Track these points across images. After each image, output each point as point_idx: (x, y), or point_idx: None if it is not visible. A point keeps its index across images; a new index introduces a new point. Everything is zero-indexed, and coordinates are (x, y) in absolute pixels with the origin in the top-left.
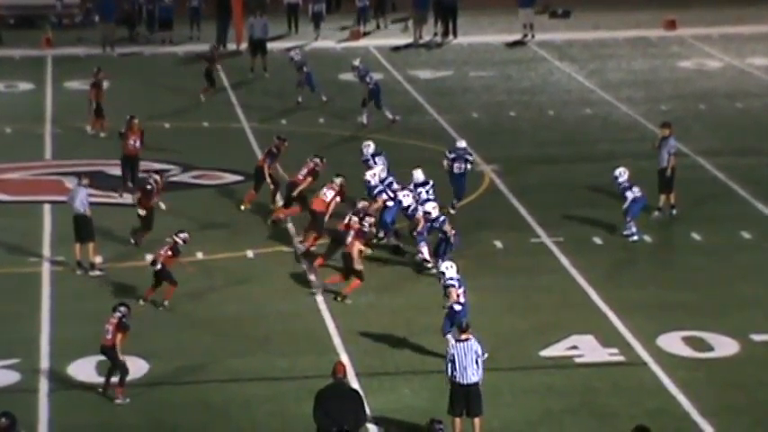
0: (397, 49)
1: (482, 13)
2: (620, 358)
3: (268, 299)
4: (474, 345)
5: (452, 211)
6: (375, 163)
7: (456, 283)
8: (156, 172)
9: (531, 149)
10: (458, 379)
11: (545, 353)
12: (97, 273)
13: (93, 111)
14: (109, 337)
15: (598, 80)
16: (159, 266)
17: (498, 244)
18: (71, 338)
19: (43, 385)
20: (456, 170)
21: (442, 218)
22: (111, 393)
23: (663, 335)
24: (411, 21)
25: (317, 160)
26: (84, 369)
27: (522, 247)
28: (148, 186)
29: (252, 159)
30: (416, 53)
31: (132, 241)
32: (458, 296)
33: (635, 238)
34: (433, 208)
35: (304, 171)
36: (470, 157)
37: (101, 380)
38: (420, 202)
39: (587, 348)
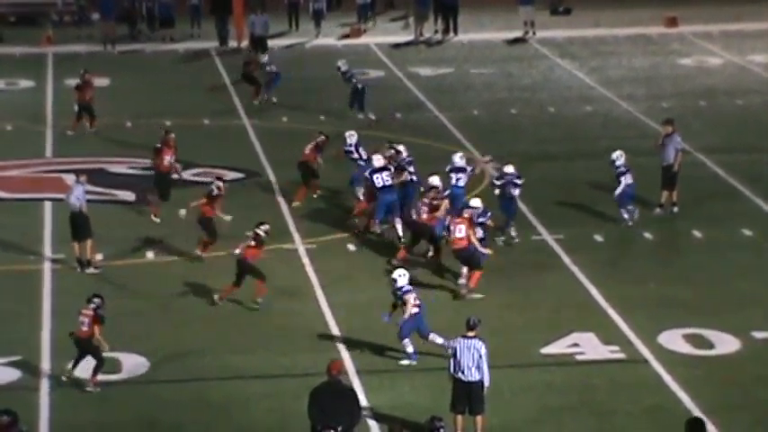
0: (397, 46)
1: (483, 10)
2: (621, 356)
3: (269, 296)
4: (477, 344)
5: (514, 237)
6: (359, 153)
7: (412, 289)
8: (218, 178)
9: (532, 146)
10: (458, 375)
11: (545, 350)
12: (93, 270)
13: (76, 112)
14: (85, 328)
15: (599, 77)
16: (247, 260)
17: (499, 241)
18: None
19: (44, 383)
20: (507, 195)
21: (488, 213)
22: (83, 382)
23: (664, 332)
24: (412, 18)
25: (323, 137)
26: (85, 367)
27: (522, 245)
28: (214, 192)
29: (253, 157)
30: (417, 50)
31: (199, 253)
32: (415, 300)
33: (629, 223)
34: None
35: (311, 145)
36: (519, 182)
37: (102, 377)
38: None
39: (588, 346)
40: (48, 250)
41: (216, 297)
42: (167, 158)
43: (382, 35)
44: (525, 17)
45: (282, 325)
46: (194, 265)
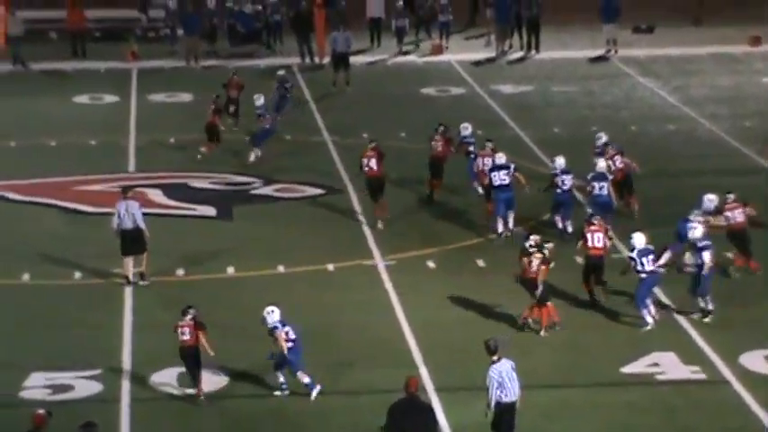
0: (479, 63)
1: (565, 28)
2: (702, 376)
3: (347, 312)
4: (508, 362)
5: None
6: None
7: (280, 325)
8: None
9: None
10: (509, 399)
11: (626, 369)
12: (144, 283)
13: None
14: (187, 338)
15: (681, 96)
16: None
17: (579, 259)
18: (152, 349)
19: (125, 395)
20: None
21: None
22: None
23: (746, 353)
24: (493, 35)
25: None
26: (166, 379)
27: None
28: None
29: (333, 173)
30: (498, 67)
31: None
32: (286, 335)
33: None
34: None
35: (441, 141)
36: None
37: (182, 390)
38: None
39: (669, 365)
40: (129, 264)
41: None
42: (370, 164)
43: (464, 52)
44: (608, 35)
45: (361, 341)
46: (274, 280)
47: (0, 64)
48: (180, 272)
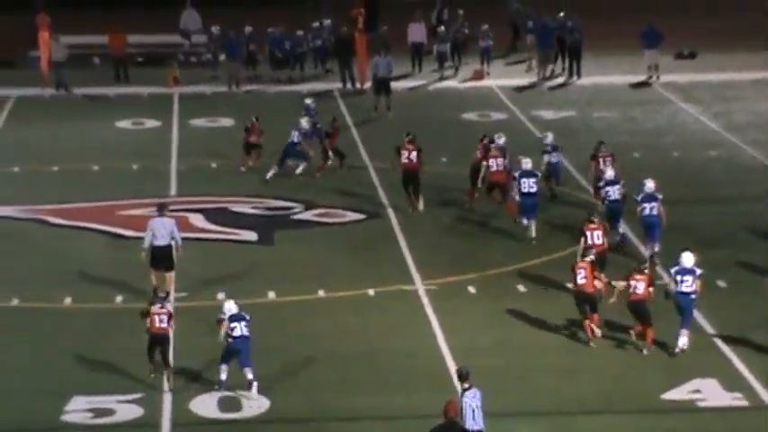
0: (520, 89)
1: (607, 53)
2: (744, 403)
3: (388, 337)
4: (478, 391)
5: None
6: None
7: (227, 320)
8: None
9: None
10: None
11: (667, 396)
12: (171, 302)
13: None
14: (165, 325)
15: (723, 122)
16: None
17: (621, 284)
18: (193, 374)
19: (166, 419)
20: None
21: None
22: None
23: None
24: (535, 60)
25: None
26: (206, 405)
27: None
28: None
29: (374, 198)
30: (540, 93)
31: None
32: (231, 330)
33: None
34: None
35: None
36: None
37: (223, 416)
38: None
39: (710, 392)
40: (170, 288)
41: (643, 346)
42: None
43: (505, 77)
44: (650, 61)
45: (401, 365)
46: (315, 305)
47: (44, 89)
48: (220, 296)
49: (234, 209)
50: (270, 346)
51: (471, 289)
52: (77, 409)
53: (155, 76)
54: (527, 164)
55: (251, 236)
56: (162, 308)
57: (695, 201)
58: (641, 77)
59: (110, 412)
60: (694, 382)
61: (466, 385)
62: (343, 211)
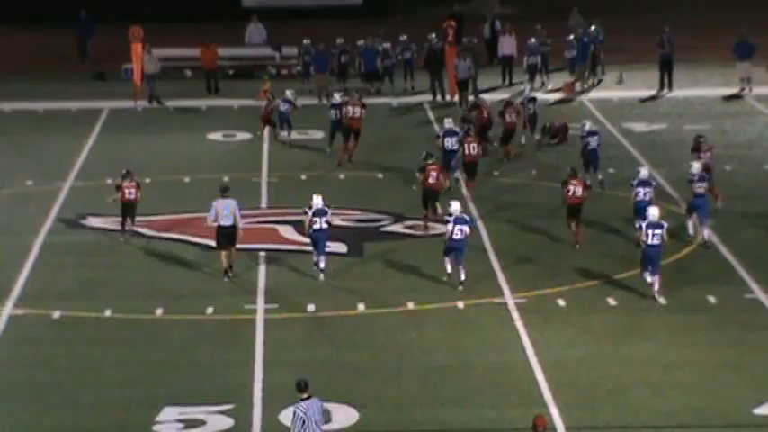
0: (610, 101)
1: (699, 65)
2: None
3: (477, 350)
4: (318, 403)
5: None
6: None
7: (311, 213)
8: None
9: (747, 204)
10: None
11: (759, 411)
12: (230, 275)
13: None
14: (134, 197)
15: None
16: None
17: (711, 299)
18: (283, 384)
19: (256, 431)
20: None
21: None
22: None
23: None
24: (623, 73)
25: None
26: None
27: (735, 303)
28: None
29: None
30: (630, 105)
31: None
32: (312, 223)
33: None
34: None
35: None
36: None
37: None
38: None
39: None
40: (261, 300)
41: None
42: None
43: (595, 90)
44: (742, 73)
45: (491, 379)
46: (405, 318)
47: (136, 102)
48: (311, 307)
49: None
50: (359, 358)
51: (561, 302)
52: (168, 419)
53: (245, 89)
54: (449, 123)
55: (340, 248)
56: (131, 182)
57: None
58: (733, 90)
59: (200, 423)
60: None
61: (304, 395)
62: (433, 224)
